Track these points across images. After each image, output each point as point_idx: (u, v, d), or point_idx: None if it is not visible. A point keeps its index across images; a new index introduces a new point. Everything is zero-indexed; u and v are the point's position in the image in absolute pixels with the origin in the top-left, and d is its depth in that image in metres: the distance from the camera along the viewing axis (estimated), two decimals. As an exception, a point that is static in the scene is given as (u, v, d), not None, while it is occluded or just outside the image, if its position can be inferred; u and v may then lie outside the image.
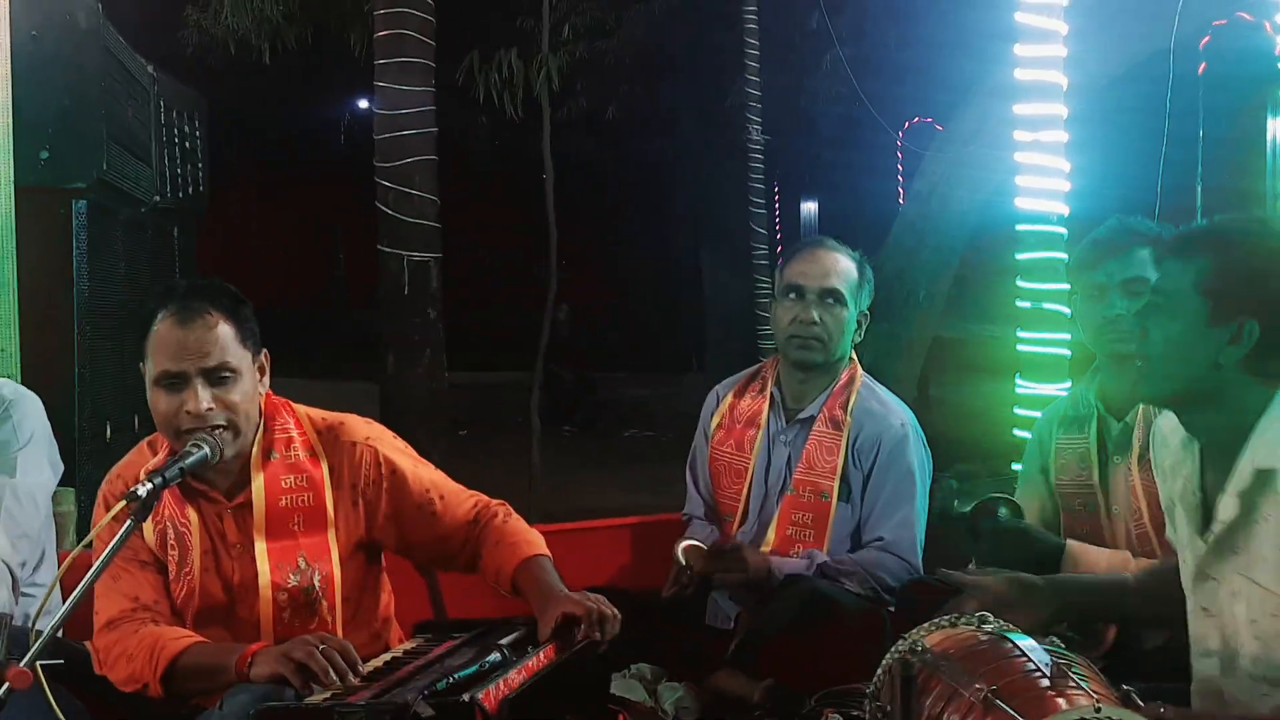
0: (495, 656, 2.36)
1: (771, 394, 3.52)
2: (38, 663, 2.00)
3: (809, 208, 18.25)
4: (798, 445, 3.45)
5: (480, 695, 2.12)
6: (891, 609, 3.21)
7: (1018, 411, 4.54)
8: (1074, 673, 1.99)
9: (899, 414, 3.45)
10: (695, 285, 14.51)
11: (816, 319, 3.38)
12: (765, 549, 3.36)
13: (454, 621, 2.86)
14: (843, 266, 3.42)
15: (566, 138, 10.31)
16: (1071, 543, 2.98)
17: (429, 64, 6.90)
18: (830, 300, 3.39)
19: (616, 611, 2.47)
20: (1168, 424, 2.40)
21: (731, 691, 3.11)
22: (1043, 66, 4.75)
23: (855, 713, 2.80)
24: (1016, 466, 3.68)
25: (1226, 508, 2.17)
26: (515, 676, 2.25)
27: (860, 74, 8.44)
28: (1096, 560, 2.94)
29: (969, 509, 2.99)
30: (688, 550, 3.33)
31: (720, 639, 3.30)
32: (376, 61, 6.91)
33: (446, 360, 7.65)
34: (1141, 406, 3.01)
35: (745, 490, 3.47)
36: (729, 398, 3.60)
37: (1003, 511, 2.98)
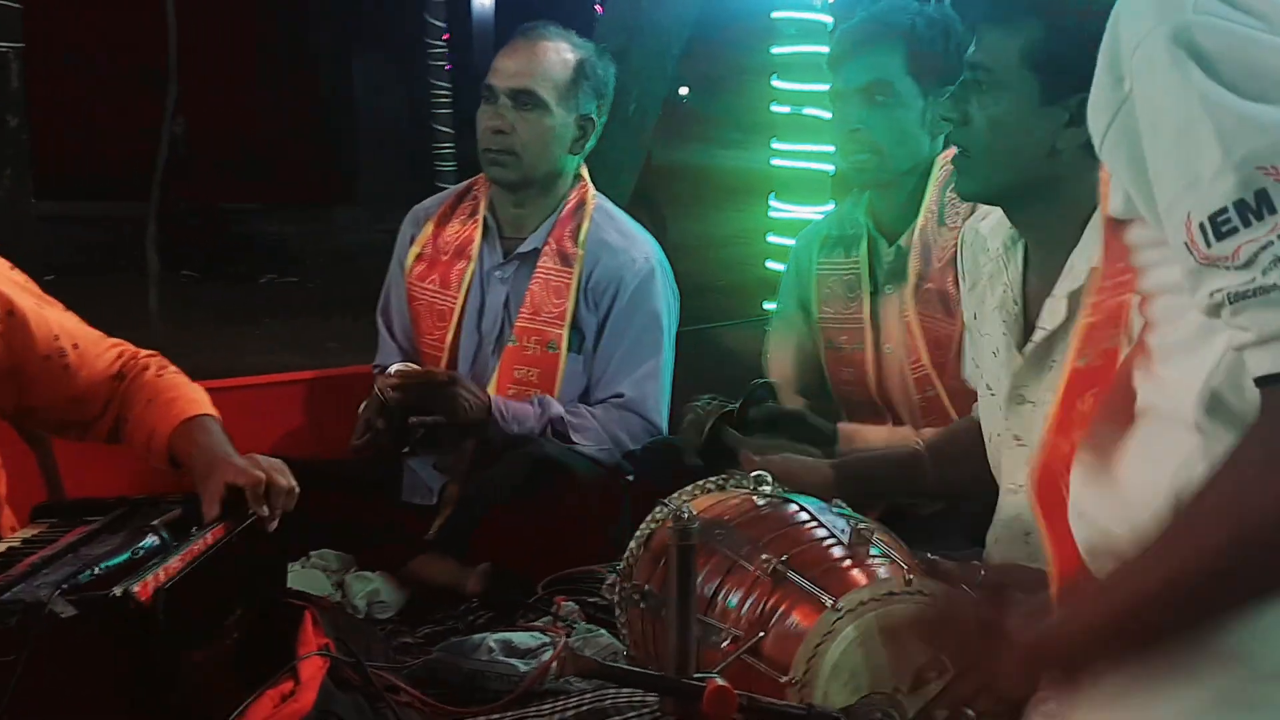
0: (151, 541, 2.25)
1: (484, 220, 3.46)
2: None
3: (482, -2, 17.89)
4: (519, 284, 3.41)
5: (135, 588, 2.00)
6: (630, 477, 3.24)
7: (771, 240, 4.61)
8: (874, 540, 2.05)
9: (643, 246, 3.45)
10: (346, 95, 14.11)
11: (506, 127, 3.35)
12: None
13: (82, 503, 2.68)
14: (546, 61, 3.37)
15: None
16: (844, 426, 3.06)
17: None
18: (525, 103, 3.35)
19: (293, 482, 2.41)
20: (987, 225, 2.46)
21: (437, 580, 3.09)
22: None
23: (592, 599, 2.83)
24: (771, 306, 3.75)
25: (1053, 312, 2.25)
26: (176, 565, 2.14)
27: None
28: (873, 441, 3.03)
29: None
30: (392, 379, 3.23)
31: (421, 517, 3.27)
32: None
33: (33, 183, 7.19)
34: (918, 229, 3.11)
35: (451, 336, 3.43)
36: (432, 222, 3.53)
37: (769, 398, 3.03)
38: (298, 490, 2.41)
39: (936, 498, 2.80)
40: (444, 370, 3.34)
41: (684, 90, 13.26)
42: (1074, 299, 2.20)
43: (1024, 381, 2.31)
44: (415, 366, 3.35)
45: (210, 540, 2.28)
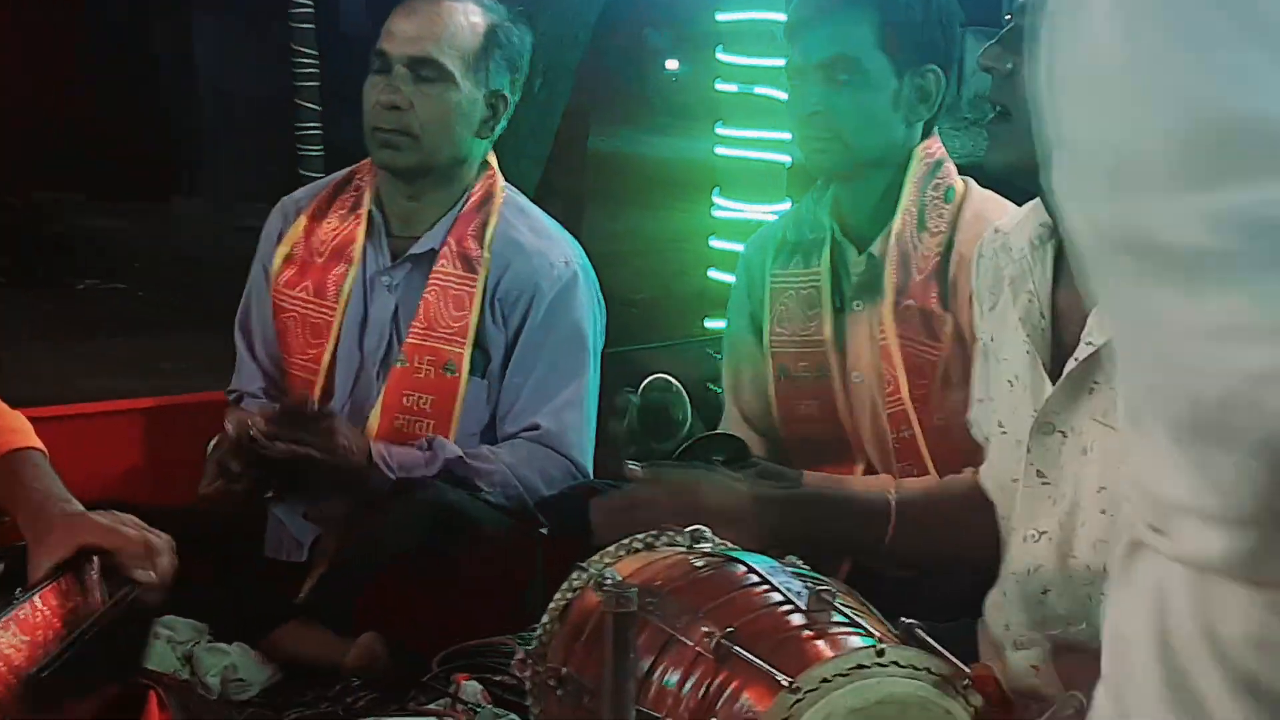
0: (-33, 602, 2.27)
1: (370, 214, 3.49)
2: None
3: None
4: (410, 293, 3.44)
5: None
6: (544, 530, 3.26)
7: (715, 244, 4.62)
8: (839, 604, 2.09)
9: (562, 248, 3.49)
10: (184, 66, 13.95)
11: (403, 102, 3.38)
12: (363, 443, 3.36)
13: None
14: (453, 25, 3.41)
15: None
16: (810, 476, 3.09)
17: None
18: (426, 75, 3.38)
19: (168, 538, 2.45)
20: (1009, 223, 2.50)
21: (309, 654, 3.12)
22: None
23: (499, 677, 2.85)
24: (714, 324, 3.79)
25: (1102, 325, 2.25)
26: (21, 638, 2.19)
27: None
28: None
29: (678, 449, 3.04)
30: (243, 422, 3.22)
31: (288, 577, 3.29)
32: None
33: None
34: (894, 234, 3.15)
35: (327, 356, 3.45)
36: (304, 217, 3.54)
37: (719, 455, 3.04)
38: (174, 545, 2.46)
39: (896, 565, 2.82)
40: (317, 401, 3.35)
41: (673, 64, 12.61)
42: None
43: (1056, 409, 2.34)
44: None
45: (59, 608, 2.31)
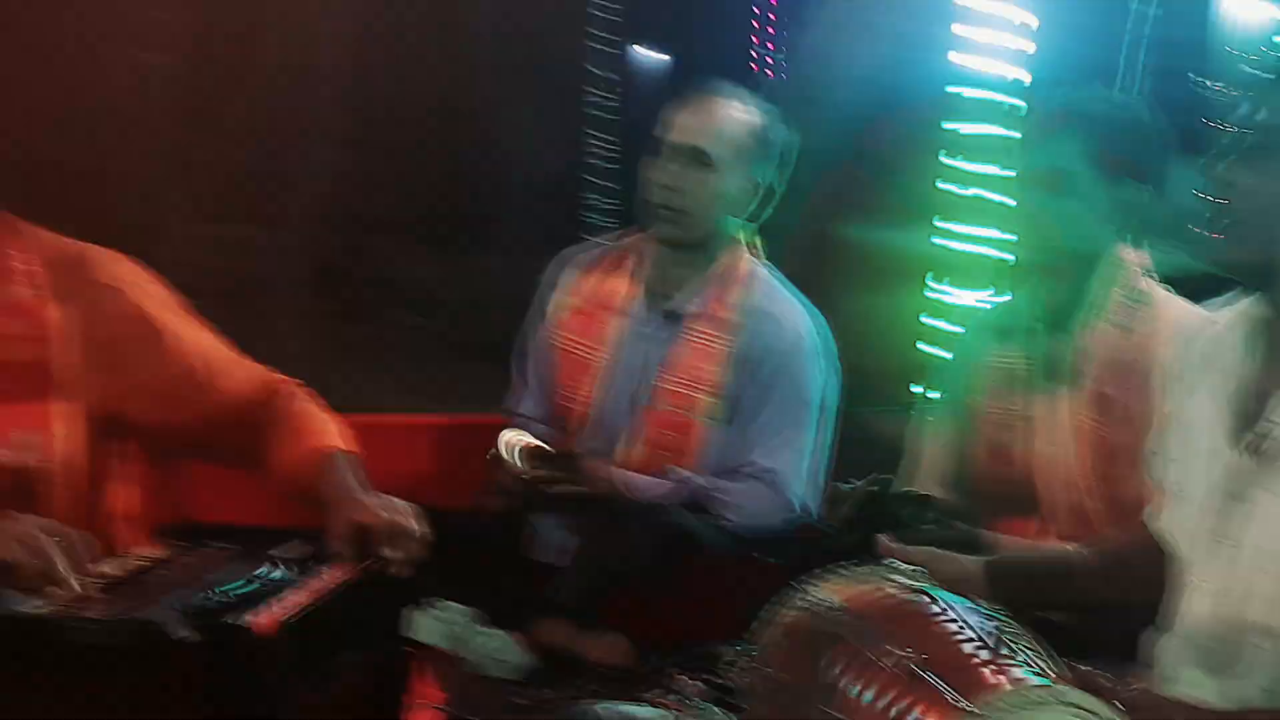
0: (273, 571, 2.27)
1: (640, 275, 3.50)
2: None
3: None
4: (669, 346, 3.42)
5: (251, 619, 2.03)
6: (769, 559, 3.19)
7: (926, 321, 4.54)
8: (1022, 646, 1.98)
9: (796, 317, 3.44)
10: (485, 135, 14.16)
11: (673, 183, 3.37)
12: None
13: (206, 526, 2.70)
14: (723, 120, 3.40)
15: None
16: (998, 537, 3.00)
17: None
18: (696, 162, 3.37)
19: (424, 528, 2.41)
20: (1225, 313, 2.40)
21: (559, 645, 3.08)
22: None
23: (717, 679, 2.78)
24: (919, 389, 3.68)
25: None
26: (295, 598, 2.17)
27: None
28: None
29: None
30: (527, 450, 3.28)
31: (547, 576, 3.28)
32: None
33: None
34: (1090, 327, 3.03)
35: (592, 392, 3.45)
36: (580, 272, 3.56)
37: (909, 512, 2.95)
38: (424, 535, 2.40)
39: (1092, 611, 2.71)
40: (563, 447, 3.37)
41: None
42: None
43: (1246, 478, 2.22)
44: (540, 444, 3.34)
45: (333, 577, 2.31)
